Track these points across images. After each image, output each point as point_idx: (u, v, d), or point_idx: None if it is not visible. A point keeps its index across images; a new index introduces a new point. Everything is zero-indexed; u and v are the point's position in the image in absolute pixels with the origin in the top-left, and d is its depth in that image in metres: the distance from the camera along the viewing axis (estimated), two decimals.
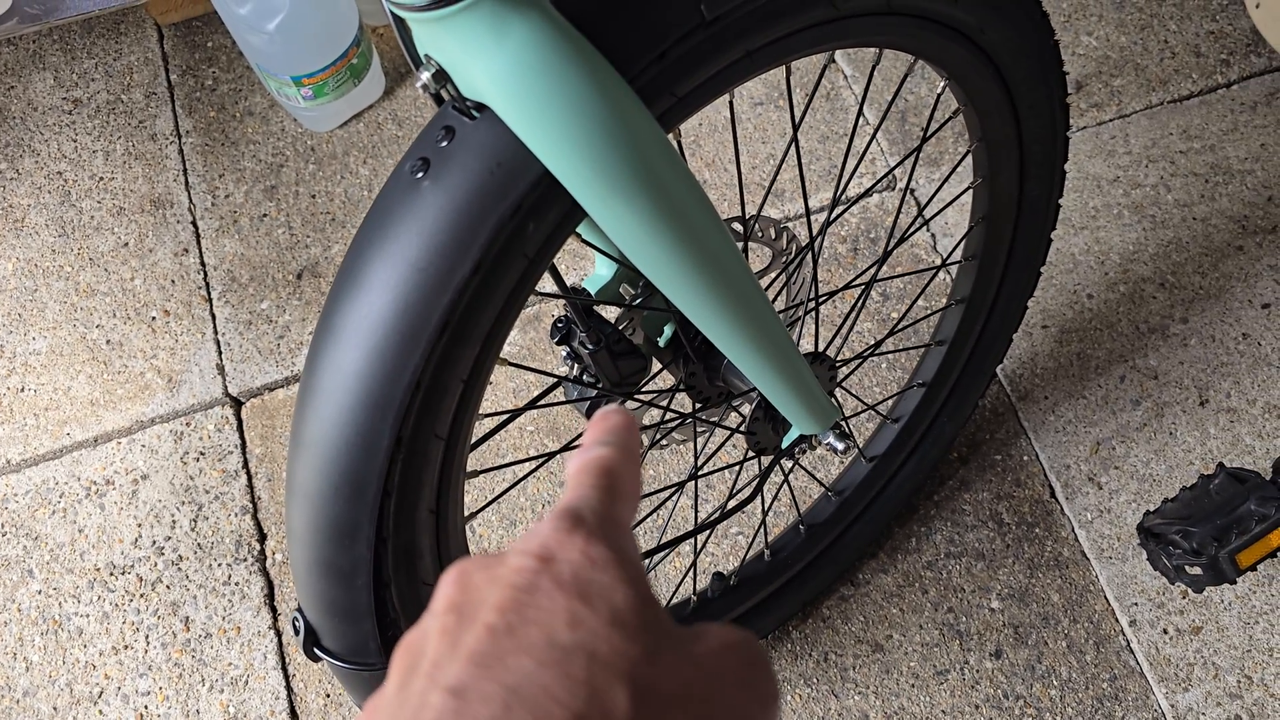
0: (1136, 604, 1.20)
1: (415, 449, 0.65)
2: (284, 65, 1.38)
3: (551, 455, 0.82)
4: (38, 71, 1.61)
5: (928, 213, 1.40)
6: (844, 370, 1.23)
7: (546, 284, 1.33)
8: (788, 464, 1.15)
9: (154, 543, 1.30)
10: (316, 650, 0.73)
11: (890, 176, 1.46)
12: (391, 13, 0.53)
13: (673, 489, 0.97)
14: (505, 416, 0.81)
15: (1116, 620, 1.20)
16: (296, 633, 0.73)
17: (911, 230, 1.10)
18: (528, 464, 1.24)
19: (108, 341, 1.41)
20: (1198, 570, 1.02)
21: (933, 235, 1.42)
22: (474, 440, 0.78)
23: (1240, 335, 1.33)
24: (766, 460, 0.97)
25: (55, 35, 1.63)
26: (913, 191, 1.45)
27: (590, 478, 0.35)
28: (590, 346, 0.80)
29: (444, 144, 0.58)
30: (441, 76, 0.55)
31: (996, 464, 1.29)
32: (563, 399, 0.87)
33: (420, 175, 0.58)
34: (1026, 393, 1.32)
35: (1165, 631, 1.18)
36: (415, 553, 0.71)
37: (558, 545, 0.31)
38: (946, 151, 1.48)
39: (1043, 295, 1.37)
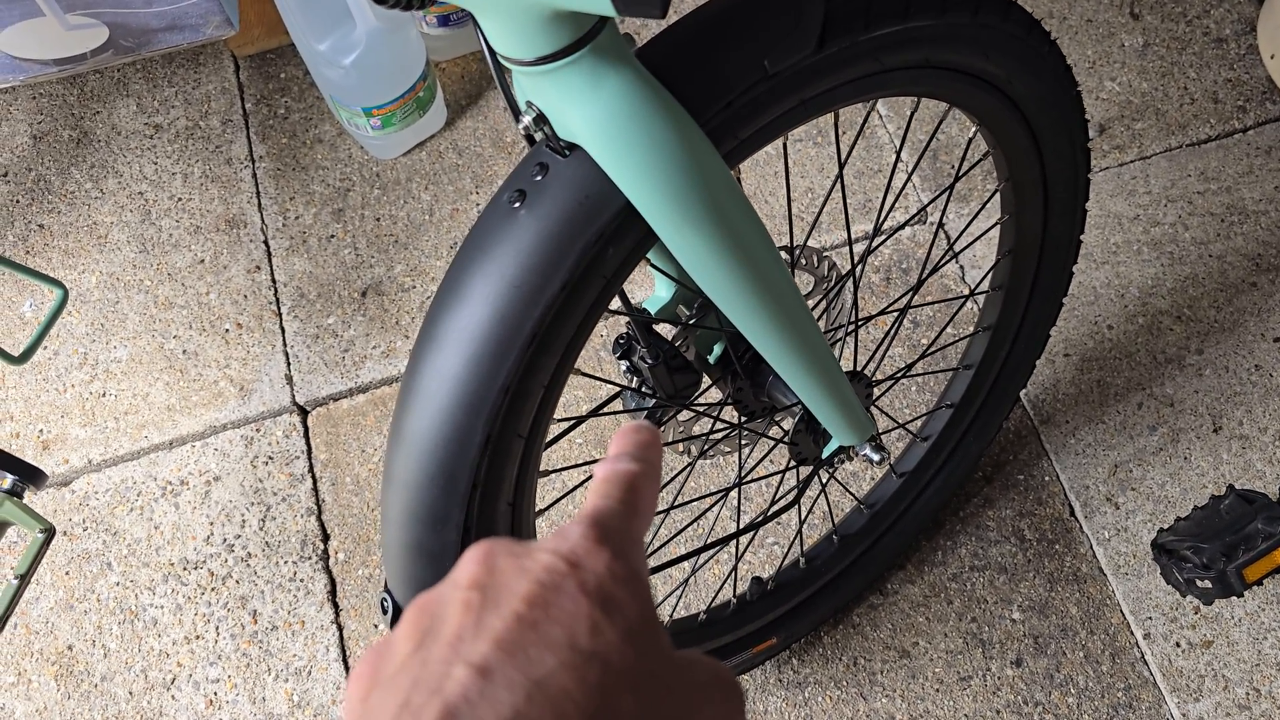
0: (1151, 618, 1.26)
1: (500, 447, 0.74)
2: (357, 97, 1.48)
3: None
4: (122, 98, 1.72)
5: (957, 246, 1.48)
6: (878, 390, 1.31)
7: (613, 302, 1.41)
8: (824, 475, 1.22)
9: (225, 540, 1.39)
10: None
11: (924, 211, 1.54)
12: (497, 64, 0.62)
13: (719, 494, 1.05)
14: (575, 420, 0.89)
15: (1132, 633, 1.27)
16: (385, 612, 0.81)
17: (943, 262, 1.18)
18: (590, 466, 1.32)
19: (184, 351, 1.51)
20: (1207, 584, 1.08)
21: (961, 267, 1.50)
22: (547, 441, 0.86)
23: (1253, 366, 1.40)
24: (806, 470, 1.05)
25: (139, 64, 1.74)
26: (943, 226, 1.53)
27: (616, 490, 0.37)
28: (649, 361, 0.88)
29: (539, 178, 0.67)
30: (540, 120, 0.63)
31: (1019, 483, 1.36)
32: (621, 408, 0.95)
33: (517, 205, 0.67)
34: (1049, 417, 1.39)
35: (1178, 645, 1.25)
36: None
37: (585, 553, 0.33)
38: (975, 189, 1.56)
39: (1065, 325, 1.44)
